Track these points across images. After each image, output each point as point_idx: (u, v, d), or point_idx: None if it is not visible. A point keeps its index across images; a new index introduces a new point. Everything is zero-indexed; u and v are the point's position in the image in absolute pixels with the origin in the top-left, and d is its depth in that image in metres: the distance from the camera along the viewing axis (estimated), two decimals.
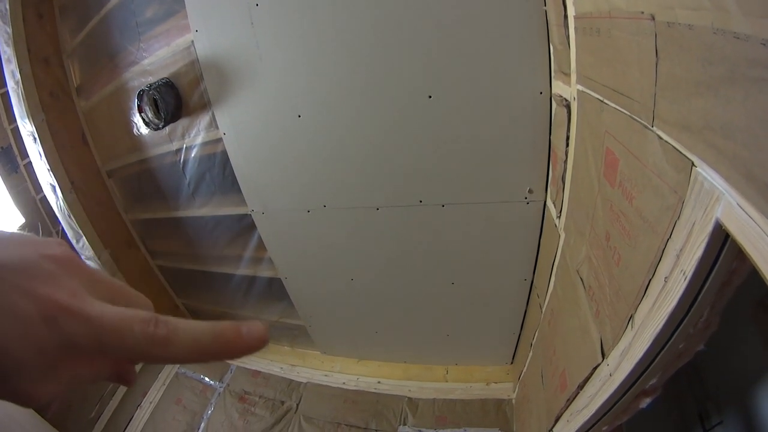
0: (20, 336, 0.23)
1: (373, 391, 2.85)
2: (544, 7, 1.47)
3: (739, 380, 1.35)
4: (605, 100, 1.00)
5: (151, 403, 3.48)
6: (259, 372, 3.34)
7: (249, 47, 1.85)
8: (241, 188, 2.28)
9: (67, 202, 2.73)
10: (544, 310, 1.75)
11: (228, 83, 2.00)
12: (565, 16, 1.25)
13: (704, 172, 0.60)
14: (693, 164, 0.62)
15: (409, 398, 2.71)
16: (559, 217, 1.54)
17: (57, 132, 2.68)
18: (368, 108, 1.80)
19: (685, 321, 0.71)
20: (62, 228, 3.05)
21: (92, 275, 0.29)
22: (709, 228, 0.58)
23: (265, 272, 2.74)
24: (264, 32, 1.79)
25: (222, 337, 0.29)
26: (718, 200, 0.57)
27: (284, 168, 2.11)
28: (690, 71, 0.61)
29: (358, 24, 1.64)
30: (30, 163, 2.86)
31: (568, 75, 1.34)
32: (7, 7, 2.36)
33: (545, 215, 1.78)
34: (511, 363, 2.55)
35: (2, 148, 3.23)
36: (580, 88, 1.22)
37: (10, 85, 2.54)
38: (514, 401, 2.39)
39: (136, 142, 2.61)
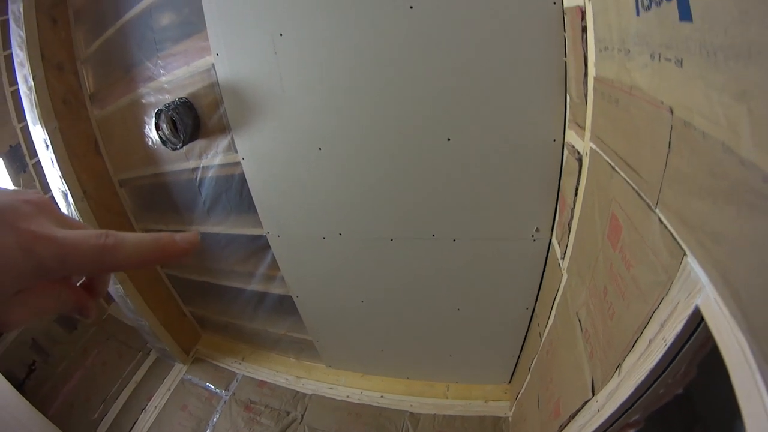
0: (5, 267, 0.28)
1: (376, 404, 2.95)
2: (565, 59, 1.55)
3: (729, 403, 1.47)
4: (616, 167, 1.10)
5: (156, 407, 3.54)
6: (266, 382, 3.41)
7: (272, 77, 1.89)
8: (258, 211, 2.36)
9: (78, 210, 2.77)
10: (543, 339, 1.87)
11: (249, 110, 2.05)
12: (585, 74, 1.33)
13: (693, 264, 0.71)
14: (685, 254, 0.73)
15: (411, 413, 2.80)
16: (563, 258, 1.65)
17: (70, 139, 2.70)
18: (388, 146, 1.89)
19: (663, 375, 0.84)
20: None
21: (62, 216, 0.35)
22: (690, 311, 0.71)
23: (276, 290, 2.83)
24: (287, 63, 1.85)
25: (160, 241, 0.36)
26: (700, 291, 0.68)
27: (302, 196, 2.20)
28: (696, 174, 0.70)
29: (383, 65, 1.72)
30: (39, 162, 2.88)
31: (582, 128, 1.43)
32: (21, 10, 2.38)
33: (549, 253, 1.90)
34: (509, 383, 2.66)
35: (11, 146, 3.35)
36: (593, 147, 1.33)
37: (23, 89, 2.55)
38: (510, 419, 2.49)
39: (151, 156, 2.65)
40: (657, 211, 0.84)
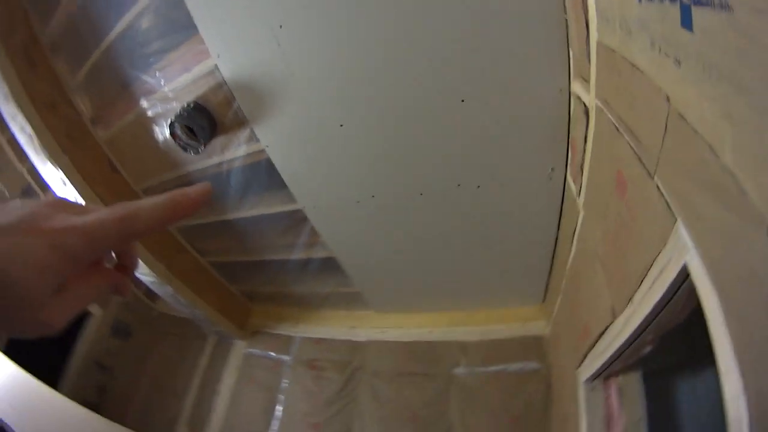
0: (36, 265, 0.29)
1: (427, 339, 3.27)
2: (565, 16, 1.64)
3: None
4: (620, 129, 1.27)
5: (227, 388, 3.85)
6: (323, 339, 3.72)
7: (279, 67, 1.98)
8: (290, 189, 2.54)
9: None
10: (568, 265, 2.13)
11: (263, 101, 2.13)
12: (587, 35, 1.43)
13: (682, 230, 0.91)
14: (676, 220, 0.94)
15: (459, 342, 3.13)
16: (579, 196, 1.86)
17: (84, 168, 2.74)
18: (407, 111, 2.03)
19: (665, 308, 1.09)
20: None
21: (79, 207, 0.36)
22: (680, 265, 0.93)
23: (318, 254, 3.06)
24: (293, 52, 1.92)
25: (174, 198, 0.38)
26: (688, 251, 0.89)
27: (330, 169, 2.38)
28: (686, 160, 0.85)
29: (391, 36, 1.80)
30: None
31: (587, 81, 1.57)
32: None
33: (566, 191, 2.11)
34: (543, 302, 2.98)
35: (22, 189, 3.42)
36: (599, 104, 1.48)
37: (22, 138, 2.50)
38: (547, 337, 2.81)
39: (171, 160, 2.75)
40: (655, 179, 1.03)
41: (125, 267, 0.42)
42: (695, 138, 0.80)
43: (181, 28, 2.09)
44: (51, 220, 0.32)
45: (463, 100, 1.94)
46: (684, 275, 0.95)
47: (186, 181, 2.86)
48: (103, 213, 0.34)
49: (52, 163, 2.57)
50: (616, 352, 1.40)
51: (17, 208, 0.32)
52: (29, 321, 0.31)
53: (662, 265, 1.03)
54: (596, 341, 1.55)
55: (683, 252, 0.93)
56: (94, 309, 4.36)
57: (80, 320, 4.33)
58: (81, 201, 2.72)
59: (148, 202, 0.37)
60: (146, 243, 3.19)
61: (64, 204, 0.35)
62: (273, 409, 3.57)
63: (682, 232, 0.93)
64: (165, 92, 2.39)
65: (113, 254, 0.43)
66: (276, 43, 1.91)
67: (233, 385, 3.88)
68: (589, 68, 1.49)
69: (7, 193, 3.34)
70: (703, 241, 0.85)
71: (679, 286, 0.98)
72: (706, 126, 0.75)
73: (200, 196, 0.40)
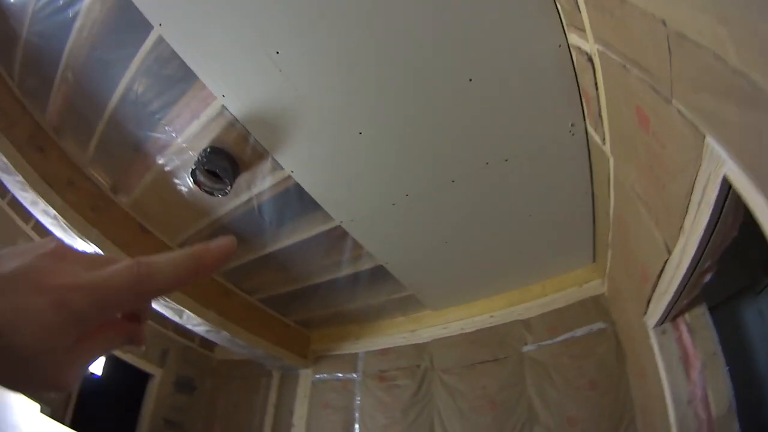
0: (41, 329, 0.26)
1: (489, 325, 3.28)
2: None
3: None
4: (628, 66, 1.27)
5: (301, 418, 3.93)
6: (387, 348, 3.77)
7: (286, 91, 2.03)
8: (324, 208, 2.60)
9: None
10: (611, 216, 2.12)
11: (278, 128, 2.19)
12: None
13: (713, 143, 0.92)
14: (704, 136, 0.94)
15: (521, 320, 3.13)
16: (604, 143, 1.85)
17: (115, 236, 2.85)
18: (419, 101, 2.05)
19: (717, 227, 1.08)
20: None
21: (85, 257, 0.32)
22: (720, 178, 0.94)
23: (365, 265, 3.11)
24: (296, 74, 1.97)
25: (194, 255, 0.34)
26: (725, 163, 0.90)
27: (359, 178, 2.42)
28: (697, 75, 0.87)
29: (382, 34, 1.82)
30: None
31: (582, 30, 1.59)
32: (5, 159, 2.40)
33: (590, 142, 2.10)
34: (594, 262, 2.94)
35: None
36: (600, 48, 1.49)
37: (47, 221, 2.61)
38: (606, 294, 2.78)
39: (200, 208, 2.82)
40: (674, 102, 1.03)
41: (137, 315, 0.38)
42: (699, 51, 0.81)
43: (177, 80, 2.17)
44: (54, 274, 0.29)
45: (470, 80, 1.96)
46: (726, 188, 0.94)
47: (220, 225, 2.97)
48: (115, 270, 0.31)
49: (82, 238, 2.68)
50: (678, 286, 1.38)
51: (13, 258, 0.29)
52: (37, 382, 0.29)
53: (703, 184, 1.03)
54: (657, 282, 1.53)
55: (720, 165, 0.93)
56: (154, 370, 4.51)
57: (143, 383, 4.48)
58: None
59: (165, 259, 0.33)
60: (190, 292, 3.29)
61: (68, 252, 0.32)
62: (352, 429, 3.62)
63: (713, 145, 0.93)
64: (179, 144, 2.46)
65: None
66: (277, 70, 1.96)
67: (307, 414, 3.95)
68: (581, 17, 1.51)
69: None
70: (735, 147, 0.85)
71: (725, 200, 0.98)
72: (706, 36, 0.77)
73: (224, 251, 0.36)
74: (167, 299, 3.12)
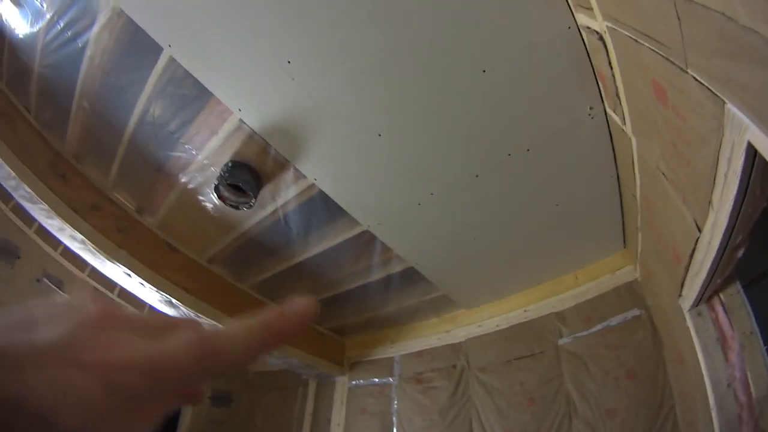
0: (89, 410, 0.23)
1: (524, 320, 3.24)
2: None
3: None
4: (639, 40, 1.24)
5: (339, 425, 3.94)
6: (422, 350, 3.75)
7: (301, 100, 2.05)
8: (351, 213, 2.60)
9: (189, 306, 3.01)
10: (638, 198, 2.05)
11: (297, 137, 2.20)
12: None
13: (733, 109, 0.88)
14: (725, 102, 0.90)
15: (556, 313, 3.08)
16: (624, 124, 1.80)
17: (144, 257, 2.90)
18: (433, 96, 2.03)
19: (746, 197, 1.03)
20: None
21: (132, 321, 0.28)
22: (744, 145, 0.90)
23: (396, 268, 3.10)
24: (309, 81, 1.98)
25: (269, 325, 0.30)
26: (747, 128, 0.87)
27: (382, 181, 2.42)
28: (708, 40, 0.84)
29: (390, 32, 1.82)
30: (122, 289, 3.06)
31: (590, 9, 1.56)
32: (28, 189, 2.46)
33: (610, 124, 2.04)
34: (624, 247, 2.86)
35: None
36: (609, 25, 1.45)
37: (75, 246, 2.66)
38: (639, 279, 2.70)
39: (226, 223, 2.86)
40: (689, 71, 1.00)
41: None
42: (708, 14, 0.79)
43: (193, 98, 2.21)
44: (102, 347, 0.25)
45: (484, 70, 1.93)
46: (752, 154, 0.90)
47: (247, 238, 2.99)
48: (174, 345, 0.27)
49: (110, 261, 2.73)
50: (712, 265, 1.33)
51: (49, 324, 0.25)
52: None
53: (728, 155, 0.99)
54: (689, 262, 1.47)
55: (743, 131, 0.89)
56: None
57: None
58: (148, 287, 2.86)
59: (233, 332, 0.29)
60: (220, 305, 3.32)
61: (114, 318, 0.27)
62: None
63: (734, 111, 0.89)
64: (200, 161, 2.51)
65: None
66: (290, 79, 1.98)
67: (344, 421, 3.96)
68: None
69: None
70: (756, 110, 0.82)
71: (752, 169, 0.93)
72: None
73: (303, 317, 0.31)
74: (200, 314, 3.16)
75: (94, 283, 3.59)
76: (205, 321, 3.21)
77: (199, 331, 0.28)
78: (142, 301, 3.25)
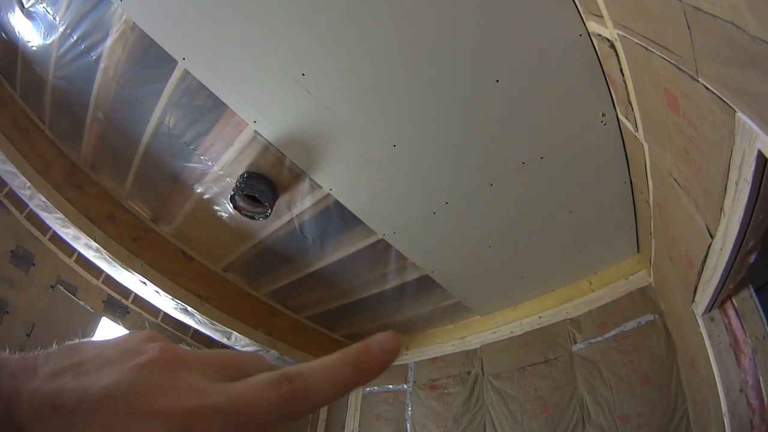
0: None
1: (538, 327, 3.24)
2: None
3: None
4: (650, 48, 1.25)
5: (353, 431, 3.95)
6: (437, 357, 3.76)
7: (316, 111, 2.07)
8: (366, 222, 2.63)
9: (204, 314, 3.05)
10: (651, 204, 2.06)
11: (312, 147, 2.23)
12: None
13: (744, 118, 0.90)
14: (735, 111, 0.92)
15: (570, 319, 3.07)
16: (636, 130, 1.81)
17: (159, 264, 2.96)
18: (447, 106, 2.06)
19: (757, 204, 1.04)
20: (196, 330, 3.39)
21: (197, 360, 0.26)
22: (755, 154, 0.92)
23: (411, 276, 3.12)
24: (324, 93, 2.02)
25: (358, 364, 0.28)
26: (757, 137, 0.88)
27: (397, 190, 2.45)
28: (718, 49, 0.86)
29: (404, 44, 1.85)
30: (136, 296, 3.13)
31: (600, 17, 1.58)
32: (43, 198, 2.50)
33: (623, 130, 2.06)
34: (638, 252, 2.85)
35: (104, 301, 3.61)
36: (620, 32, 1.47)
37: (90, 255, 2.72)
38: (653, 284, 2.69)
39: (242, 232, 2.89)
40: (700, 80, 1.01)
41: None
42: (717, 23, 0.81)
43: (208, 110, 2.24)
44: (167, 392, 0.23)
45: (497, 81, 1.96)
46: (762, 162, 0.92)
47: (263, 247, 3.01)
48: (256, 387, 0.24)
49: (125, 269, 2.78)
50: (724, 270, 1.34)
51: (102, 368, 0.23)
52: None
53: (738, 162, 1.00)
54: (702, 267, 1.48)
55: (753, 139, 0.91)
56: None
57: None
58: (164, 295, 2.90)
59: (318, 369, 0.26)
60: (238, 312, 3.36)
61: (180, 357, 0.25)
62: None
63: (744, 120, 0.91)
64: (215, 172, 2.54)
65: None
66: (305, 91, 2.02)
67: (358, 428, 3.97)
68: (597, 2, 1.50)
69: (90, 308, 3.47)
70: (766, 118, 0.83)
71: (762, 176, 0.95)
72: (721, 7, 0.76)
73: (389, 352, 0.29)
74: (215, 321, 3.20)
75: (109, 291, 3.63)
76: (221, 328, 3.26)
77: (285, 372, 0.26)
78: (157, 308, 3.30)
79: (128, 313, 3.75)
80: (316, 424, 4.38)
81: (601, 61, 1.86)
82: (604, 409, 2.60)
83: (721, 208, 1.19)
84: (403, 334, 4.11)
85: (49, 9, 2.09)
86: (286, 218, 2.73)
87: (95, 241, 2.68)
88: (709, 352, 1.62)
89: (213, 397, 0.23)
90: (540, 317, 3.26)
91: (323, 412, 4.41)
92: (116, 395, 0.21)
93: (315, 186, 2.46)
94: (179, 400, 0.22)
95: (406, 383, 3.85)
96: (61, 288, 3.29)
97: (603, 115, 2.05)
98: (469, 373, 3.48)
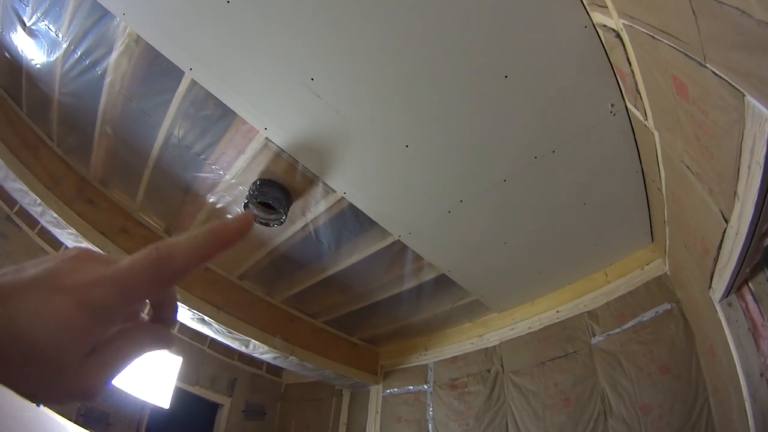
0: (64, 328, 0.26)
1: (556, 321, 3.24)
2: None
3: None
4: (656, 37, 1.26)
5: None
6: (456, 356, 3.78)
7: (327, 115, 2.09)
8: (381, 224, 2.64)
9: (222, 323, 3.09)
10: (664, 192, 2.06)
11: (324, 152, 2.24)
12: None
13: (753, 101, 0.91)
14: (744, 95, 0.93)
15: (588, 312, 3.07)
16: (646, 119, 1.82)
17: None
18: (458, 104, 2.07)
19: None
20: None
21: (107, 258, 0.32)
22: (766, 136, 0.93)
23: (428, 276, 3.14)
24: (334, 96, 2.03)
25: (214, 230, 0.33)
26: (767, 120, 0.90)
27: (411, 190, 2.46)
28: (725, 34, 0.87)
29: (414, 44, 1.87)
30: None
31: (605, 7, 1.59)
32: (55, 215, 2.53)
33: (632, 119, 2.06)
34: (652, 241, 2.84)
35: None
36: (625, 22, 1.48)
37: None
38: (669, 273, 2.68)
39: (258, 241, 2.91)
40: (708, 66, 1.03)
41: (163, 318, 0.37)
42: (722, 9, 0.82)
43: (217, 119, 2.26)
44: (74, 274, 0.28)
45: (506, 76, 1.97)
46: None
47: (278, 253, 3.06)
48: (133, 258, 0.30)
49: None
50: (740, 255, 1.34)
51: (35, 266, 0.28)
52: (62, 389, 0.27)
53: (750, 146, 1.01)
54: (718, 253, 1.49)
55: (764, 122, 0.92)
56: (223, 400, 4.63)
57: (212, 413, 4.62)
58: (183, 307, 2.92)
59: (183, 238, 0.32)
60: (255, 320, 3.39)
61: (89, 255, 0.31)
62: None
63: (754, 103, 0.92)
64: (227, 180, 2.56)
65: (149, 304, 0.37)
66: (315, 96, 2.03)
67: (380, 430, 3.99)
68: None
69: None
70: None
71: None
72: None
73: (242, 225, 0.35)
74: (232, 330, 3.23)
75: None
76: (239, 336, 3.28)
77: (155, 243, 0.31)
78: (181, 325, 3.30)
79: None
80: (337, 428, 4.40)
81: (607, 51, 1.87)
82: (625, 400, 2.59)
83: (735, 193, 1.20)
84: (422, 335, 4.12)
85: (51, 26, 2.12)
86: (300, 224, 2.74)
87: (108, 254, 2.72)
88: (728, 338, 1.62)
89: (103, 271, 0.29)
90: (558, 311, 3.26)
91: (344, 416, 4.44)
92: (40, 279, 0.27)
93: (329, 190, 2.47)
94: (81, 276, 0.28)
95: (426, 384, 3.87)
96: None
97: (612, 105, 2.06)
98: (489, 370, 3.49)
